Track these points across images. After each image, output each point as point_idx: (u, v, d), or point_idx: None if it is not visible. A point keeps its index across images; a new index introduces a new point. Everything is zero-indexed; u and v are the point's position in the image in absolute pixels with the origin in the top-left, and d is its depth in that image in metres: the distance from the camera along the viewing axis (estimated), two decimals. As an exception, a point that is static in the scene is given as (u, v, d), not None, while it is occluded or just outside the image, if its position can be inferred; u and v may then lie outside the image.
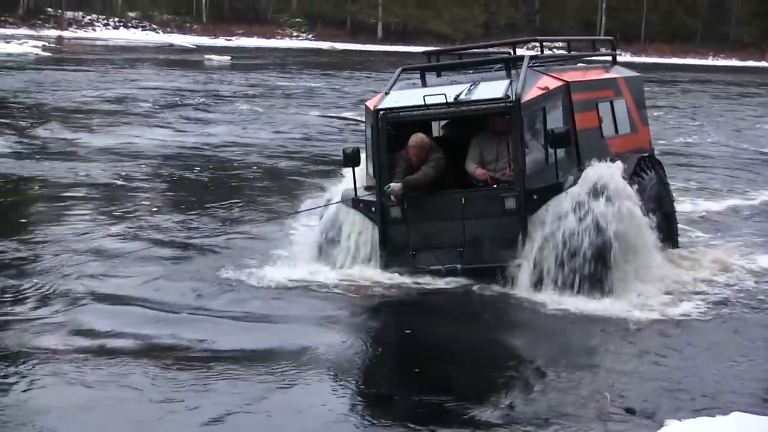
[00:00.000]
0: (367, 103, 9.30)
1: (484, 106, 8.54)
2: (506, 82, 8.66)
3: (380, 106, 8.74)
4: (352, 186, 8.95)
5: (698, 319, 7.87)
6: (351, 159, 8.88)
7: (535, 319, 7.87)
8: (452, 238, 8.53)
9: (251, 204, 12.69)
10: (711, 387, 6.40)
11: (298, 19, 71.29)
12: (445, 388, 6.33)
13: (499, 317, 8.00)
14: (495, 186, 8.63)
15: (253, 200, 13.02)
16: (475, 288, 8.45)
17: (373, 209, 8.71)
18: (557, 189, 8.35)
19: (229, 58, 45.50)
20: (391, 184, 8.60)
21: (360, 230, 8.82)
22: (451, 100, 8.55)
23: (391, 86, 8.99)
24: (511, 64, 9.14)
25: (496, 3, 70.14)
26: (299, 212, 10.45)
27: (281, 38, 67.48)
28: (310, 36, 68.91)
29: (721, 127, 24.84)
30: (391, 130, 8.76)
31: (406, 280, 8.60)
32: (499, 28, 64.41)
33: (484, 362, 7.00)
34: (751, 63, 61.89)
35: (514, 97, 8.36)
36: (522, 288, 8.29)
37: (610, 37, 12.20)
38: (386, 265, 8.65)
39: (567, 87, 8.88)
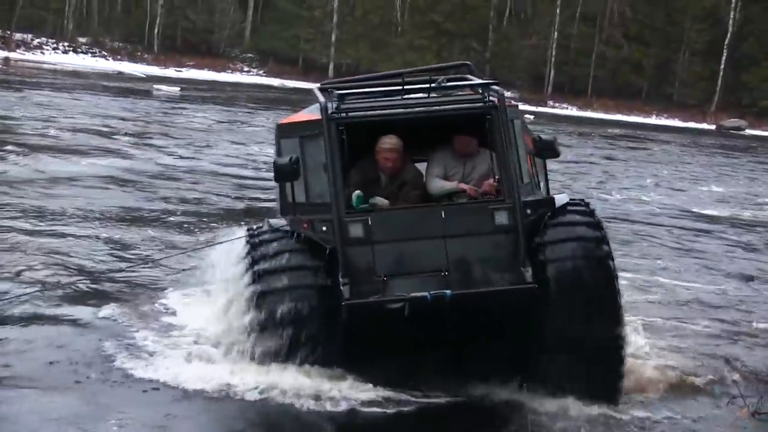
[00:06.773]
0: (283, 122, 7.83)
1: (464, 106, 7.35)
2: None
3: (332, 110, 7.15)
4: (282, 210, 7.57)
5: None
6: (288, 172, 7.20)
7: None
8: (432, 259, 7.01)
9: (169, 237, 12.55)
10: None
11: (250, 55, 71.30)
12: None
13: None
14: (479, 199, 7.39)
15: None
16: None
17: (324, 228, 7.05)
18: (550, 203, 7.21)
19: (179, 89, 45.28)
20: (377, 198, 7.29)
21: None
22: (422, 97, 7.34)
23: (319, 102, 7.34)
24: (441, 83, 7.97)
25: (447, 50, 70.86)
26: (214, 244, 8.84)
27: (232, 72, 67.38)
28: (261, 72, 68.91)
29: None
30: (344, 135, 7.19)
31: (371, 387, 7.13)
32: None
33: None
34: (692, 124, 63.11)
35: (491, 98, 7.22)
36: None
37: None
38: (351, 296, 6.88)
39: (517, 108, 8.10)
